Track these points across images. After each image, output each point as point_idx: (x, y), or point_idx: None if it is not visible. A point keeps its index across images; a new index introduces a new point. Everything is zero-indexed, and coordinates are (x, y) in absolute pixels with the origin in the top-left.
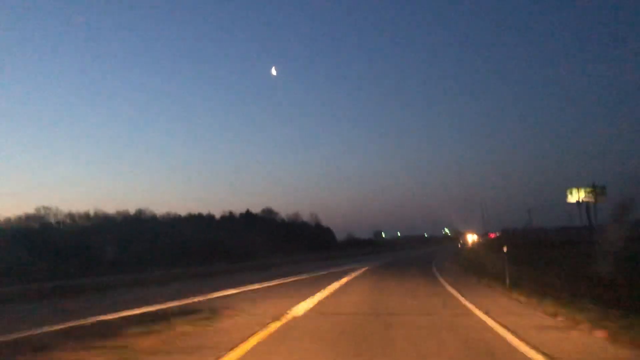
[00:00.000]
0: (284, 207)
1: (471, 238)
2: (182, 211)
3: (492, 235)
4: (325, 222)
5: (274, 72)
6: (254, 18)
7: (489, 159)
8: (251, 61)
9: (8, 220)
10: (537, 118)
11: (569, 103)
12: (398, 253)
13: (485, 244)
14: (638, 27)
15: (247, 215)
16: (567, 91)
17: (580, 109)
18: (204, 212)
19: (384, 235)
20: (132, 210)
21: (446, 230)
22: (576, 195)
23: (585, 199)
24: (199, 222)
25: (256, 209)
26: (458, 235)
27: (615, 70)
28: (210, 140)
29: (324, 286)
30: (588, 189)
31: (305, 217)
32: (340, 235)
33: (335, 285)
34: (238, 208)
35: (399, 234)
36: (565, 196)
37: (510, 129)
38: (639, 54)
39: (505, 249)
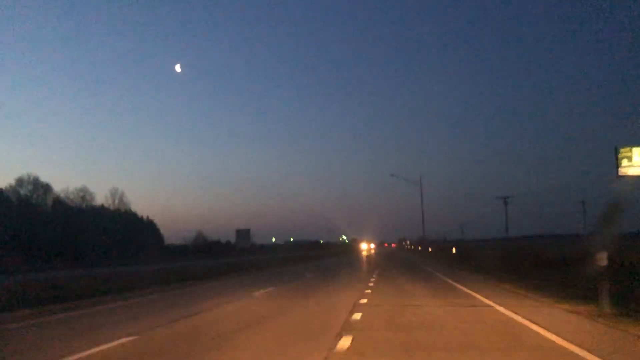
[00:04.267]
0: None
1: (366, 246)
2: None
3: (394, 245)
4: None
5: (178, 69)
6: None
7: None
8: None
9: None
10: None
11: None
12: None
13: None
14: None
15: None
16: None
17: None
18: None
19: (274, 240)
20: None
21: (343, 237)
22: None
23: None
24: None
25: None
26: (354, 244)
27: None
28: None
29: None
30: None
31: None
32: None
33: None
34: None
35: (292, 239)
36: (617, 164)
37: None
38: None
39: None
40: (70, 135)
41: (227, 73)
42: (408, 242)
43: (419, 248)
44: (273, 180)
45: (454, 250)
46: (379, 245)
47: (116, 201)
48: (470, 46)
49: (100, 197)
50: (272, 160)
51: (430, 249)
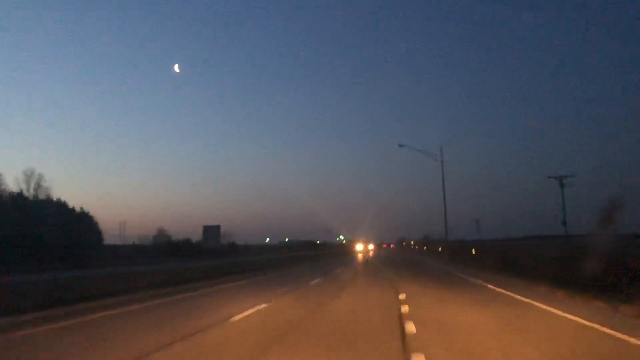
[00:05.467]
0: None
1: (362, 247)
2: None
3: (392, 246)
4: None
5: (176, 69)
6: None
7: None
8: None
9: None
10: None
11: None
12: None
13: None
14: None
15: None
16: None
17: None
18: None
19: (267, 240)
20: None
21: (341, 237)
22: None
23: None
24: None
25: None
26: (352, 244)
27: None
28: None
29: None
30: None
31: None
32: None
33: None
34: None
35: (287, 240)
36: None
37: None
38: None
39: None
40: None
41: (215, 63)
42: (412, 242)
43: (439, 249)
44: (268, 179)
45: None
46: (378, 246)
47: (31, 186)
48: None
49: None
50: (267, 159)
51: (473, 250)
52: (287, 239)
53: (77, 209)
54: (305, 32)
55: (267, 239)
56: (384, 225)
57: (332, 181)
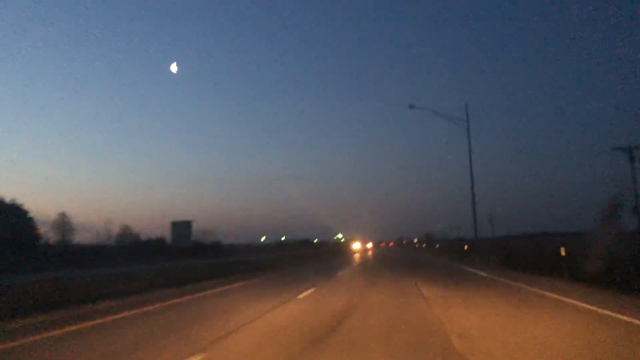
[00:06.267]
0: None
1: (359, 246)
2: None
3: (392, 244)
4: None
5: (174, 69)
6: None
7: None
8: None
9: None
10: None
11: None
12: None
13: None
14: None
15: None
16: None
17: None
18: None
19: (264, 239)
20: None
21: (339, 236)
22: None
23: None
24: None
25: None
26: (351, 243)
27: None
28: None
29: None
30: None
31: None
32: None
33: None
34: None
35: (283, 238)
36: None
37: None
38: None
39: None
40: None
41: (210, 60)
42: (415, 240)
43: (464, 247)
44: (265, 178)
45: None
46: (376, 245)
47: None
48: None
49: None
50: (264, 157)
51: (563, 251)
52: (283, 238)
53: (8, 200)
54: (301, 24)
55: (263, 238)
56: (382, 223)
57: (330, 179)
